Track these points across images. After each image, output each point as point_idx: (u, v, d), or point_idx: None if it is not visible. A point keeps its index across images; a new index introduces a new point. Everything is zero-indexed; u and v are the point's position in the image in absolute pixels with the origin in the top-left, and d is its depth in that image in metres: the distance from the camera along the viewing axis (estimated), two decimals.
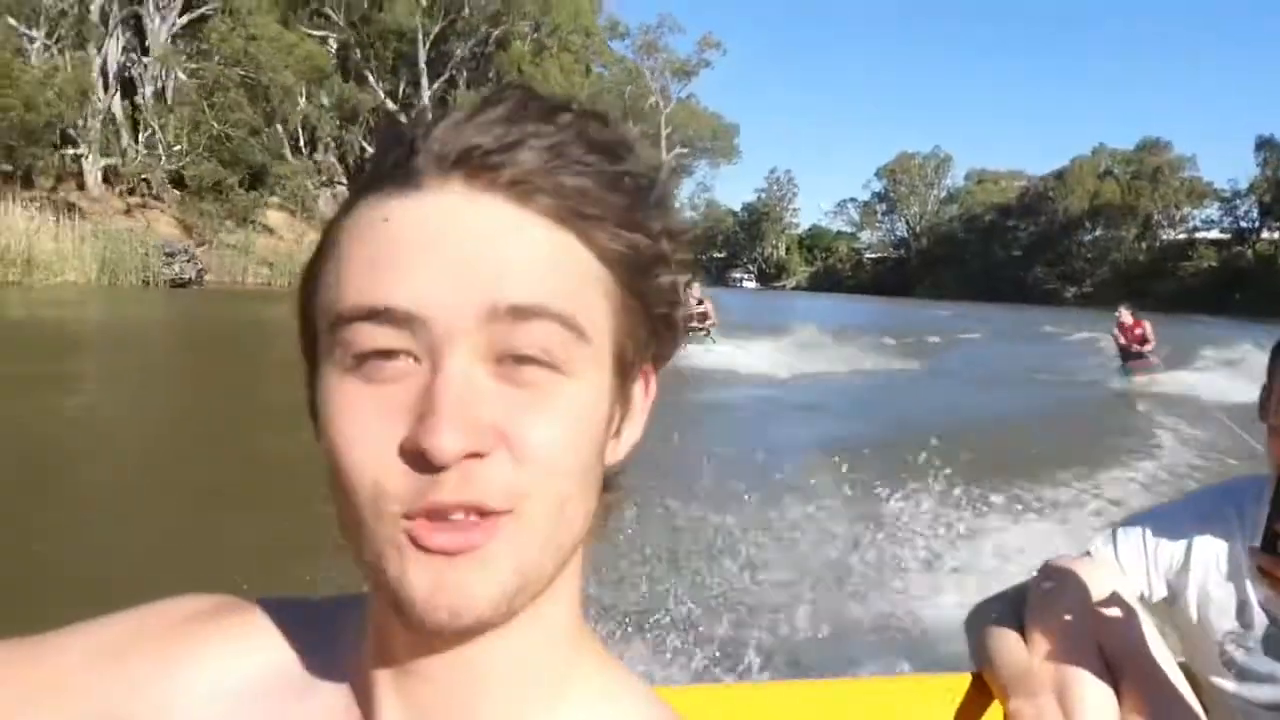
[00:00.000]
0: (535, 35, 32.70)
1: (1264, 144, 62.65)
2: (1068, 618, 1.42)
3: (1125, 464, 7.21)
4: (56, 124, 21.75)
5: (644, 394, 0.50)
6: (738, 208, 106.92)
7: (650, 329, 0.48)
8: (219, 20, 24.07)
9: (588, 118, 0.45)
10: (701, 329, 16.54)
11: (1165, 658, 1.40)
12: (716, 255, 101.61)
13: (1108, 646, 1.38)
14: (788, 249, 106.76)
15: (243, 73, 23.99)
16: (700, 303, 16.80)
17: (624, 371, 0.47)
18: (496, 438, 0.43)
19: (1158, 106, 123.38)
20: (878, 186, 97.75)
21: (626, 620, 3.44)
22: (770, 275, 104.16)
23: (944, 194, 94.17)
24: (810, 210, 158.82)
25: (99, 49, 24.15)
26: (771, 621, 3.61)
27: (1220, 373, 15.43)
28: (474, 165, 0.44)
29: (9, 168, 23.01)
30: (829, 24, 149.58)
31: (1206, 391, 13.04)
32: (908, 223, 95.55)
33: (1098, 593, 1.44)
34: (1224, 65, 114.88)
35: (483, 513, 0.43)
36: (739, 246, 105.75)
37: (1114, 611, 1.42)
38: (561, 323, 0.43)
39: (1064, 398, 13.96)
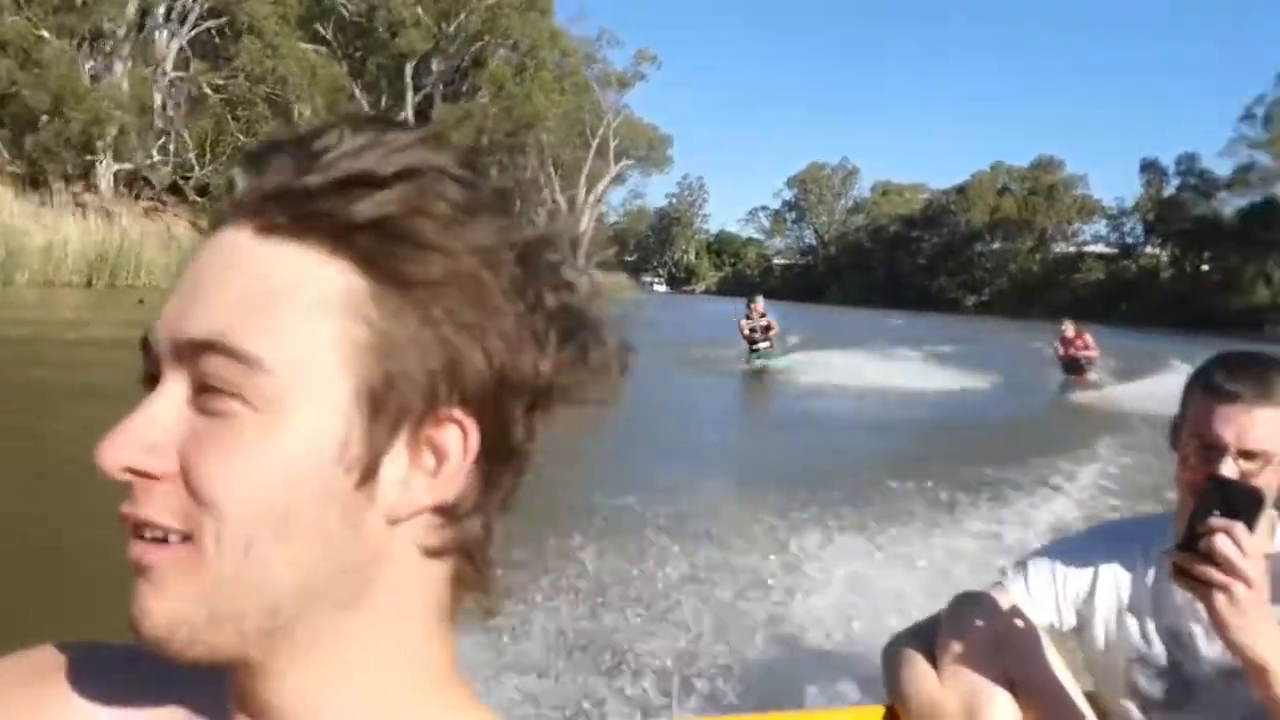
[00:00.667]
0: (514, 54, 34.09)
1: (1148, 166, 68.62)
2: (978, 649, 1.47)
3: (1057, 483, 6.99)
4: (105, 133, 22.29)
5: (461, 444, 0.44)
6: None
7: (450, 363, 0.43)
8: (249, 40, 24.82)
9: (358, 134, 0.44)
10: (764, 342, 16.25)
11: (1072, 687, 1.47)
12: (628, 259, 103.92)
13: (1017, 677, 1.44)
14: (697, 254, 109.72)
15: (268, 89, 24.83)
16: (763, 315, 16.41)
17: (375, 410, 0.43)
18: (170, 462, 0.42)
19: (1052, 127, 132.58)
20: (788, 195, 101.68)
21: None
22: (680, 279, 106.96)
23: (851, 204, 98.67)
24: (723, 217, 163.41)
25: (151, 64, 24.63)
26: (684, 656, 3.47)
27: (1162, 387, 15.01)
28: (236, 199, 0.44)
29: (16, 169, 23.33)
30: (754, 36, 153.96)
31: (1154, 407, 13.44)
32: (816, 231, 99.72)
33: (1008, 623, 1.50)
34: (1114, 90, 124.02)
35: (170, 534, 0.42)
36: (649, 250, 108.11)
37: (1024, 642, 1.48)
38: (233, 356, 0.41)
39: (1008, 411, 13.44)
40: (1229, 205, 63.01)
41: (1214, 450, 1.41)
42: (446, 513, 0.45)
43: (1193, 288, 62.24)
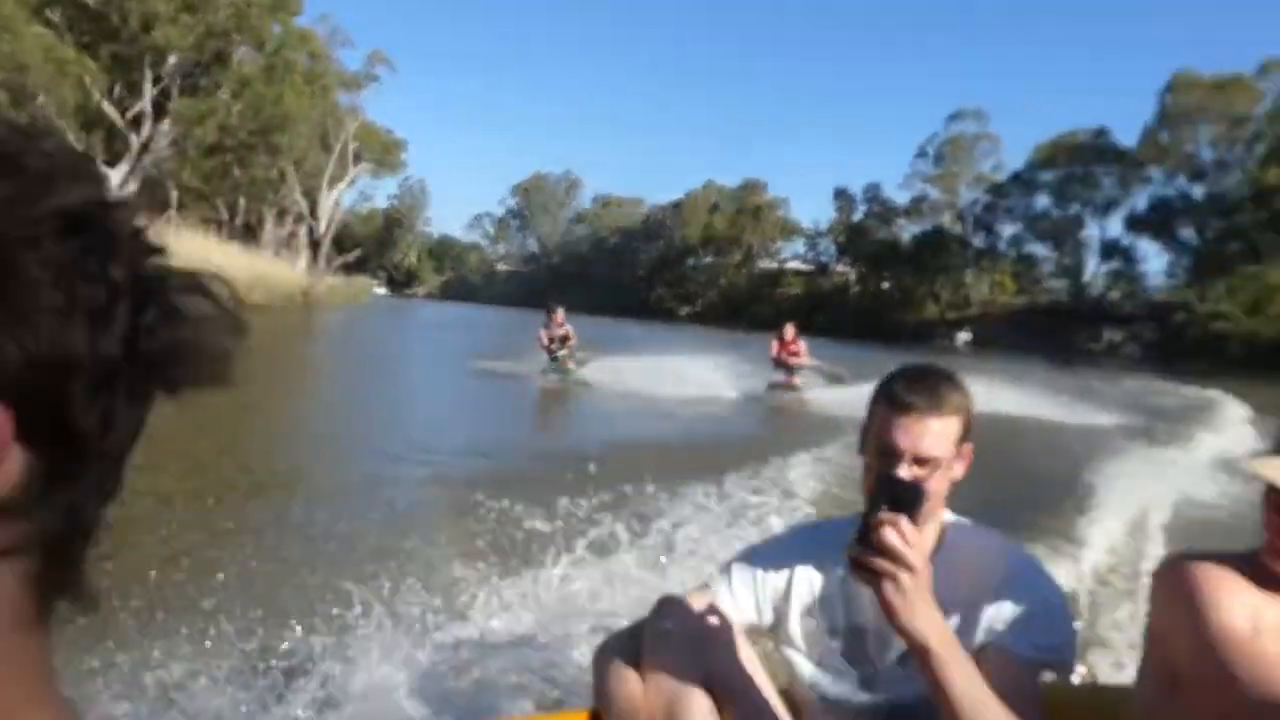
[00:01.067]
0: (261, 53, 32.85)
1: (840, 194, 76.89)
2: (679, 651, 1.55)
3: (763, 486, 6.89)
4: None
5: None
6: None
7: None
8: None
9: None
10: (562, 352, 15.88)
11: (766, 685, 1.59)
12: (349, 260, 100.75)
13: (716, 676, 1.54)
14: (419, 257, 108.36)
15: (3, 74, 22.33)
16: (562, 325, 16.03)
17: None
18: None
19: (759, 152, 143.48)
20: (512, 203, 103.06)
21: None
22: (400, 282, 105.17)
23: (573, 215, 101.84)
24: (450, 223, 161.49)
25: None
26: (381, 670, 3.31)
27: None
28: None
29: None
30: (486, 45, 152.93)
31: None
32: (540, 240, 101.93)
33: (708, 625, 1.59)
34: (813, 121, 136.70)
35: None
36: (368, 252, 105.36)
37: (723, 642, 1.58)
38: None
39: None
40: (906, 231, 72.18)
41: (892, 456, 1.55)
42: None
43: (876, 303, 70.45)
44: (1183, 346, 45.88)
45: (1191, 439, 11.92)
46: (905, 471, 1.53)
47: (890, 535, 1.34)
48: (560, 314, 16.15)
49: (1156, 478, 8.09)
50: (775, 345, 16.18)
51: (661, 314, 78.35)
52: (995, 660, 1.53)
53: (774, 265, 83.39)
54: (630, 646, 1.62)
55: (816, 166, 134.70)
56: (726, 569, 1.75)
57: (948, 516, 1.68)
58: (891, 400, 1.58)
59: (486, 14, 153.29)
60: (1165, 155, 54.21)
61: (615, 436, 9.75)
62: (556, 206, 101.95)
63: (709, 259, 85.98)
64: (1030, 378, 16.22)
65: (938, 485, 1.58)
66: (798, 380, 15.79)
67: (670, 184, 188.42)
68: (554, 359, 15.85)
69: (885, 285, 72.08)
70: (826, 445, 8.80)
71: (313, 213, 45.90)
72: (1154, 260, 59.08)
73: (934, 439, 1.56)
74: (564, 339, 16.00)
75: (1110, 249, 59.17)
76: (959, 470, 1.63)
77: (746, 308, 74.20)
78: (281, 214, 46.35)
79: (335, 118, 44.09)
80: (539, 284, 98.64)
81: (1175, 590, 1.49)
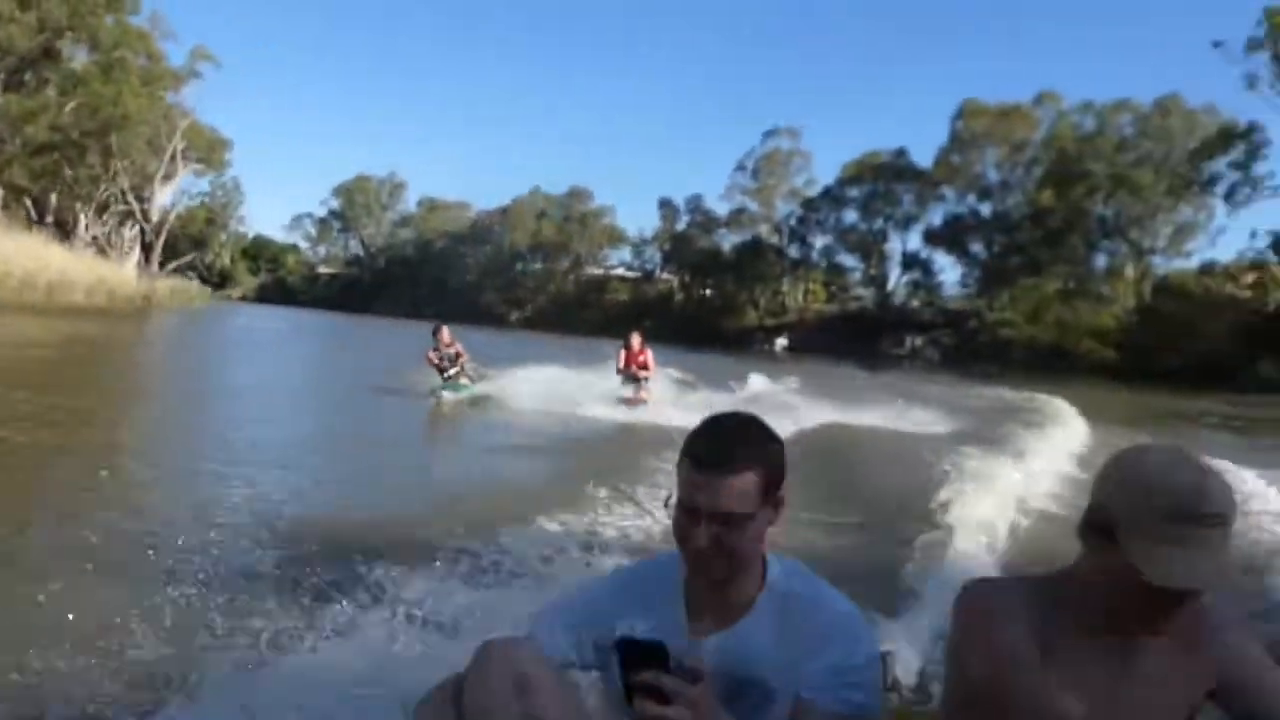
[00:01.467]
0: (95, 51, 31.58)
1: (665, 204, 79.54)
2: (501, 696, 1.54)
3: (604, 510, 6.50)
4: None
5: None
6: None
7: None
8: None
9: None
10: (454, 368, 15.33)
11: None
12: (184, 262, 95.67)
13: (536, 717, 1.54)
14: (233, 258, 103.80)
15: None
16: (450, 344, 15.51)
17: None
18: None
19: (585, 159, 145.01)
20: (334, 204, 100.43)
21: None
22: (214, 284, 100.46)
23: (398, 217, 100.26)
24: (271, 223, 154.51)
25: None
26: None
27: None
28: None
29: None
30: (310, 45, 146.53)
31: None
32: (363, 242, 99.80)
33: (530, 669, 1.58)
34: (638, 133, 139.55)
35: None
36: (179, 253, 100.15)
37: (544, 686, 1.57)
38: None
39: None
40: (727, 241, 75.57)
41: (692, 515, 1.58)
42: None
43: (699, 310, 73.43)
44: (975, 350, 50.67)
45: (1024, 446, 11.62)
46: (704, 534, 1.57)
47: (643, 704, 1.39)
48: (446, 332, 15.62)
49: (995, 488, 7.90)
50: (622, 355, 15.47)
51: (492, 319, 78.60)
52: (808, 714, 1.60)
53: (601, 272, 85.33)
54: (450, 697, 1.62)
55: (642, 176, 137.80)
56: (546, 612, 1.79)
57: (771, 563, 1.71)
58: (692, 458, 1.60)
59: (312, 11, 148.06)
60: (957, 175, 59.42)
61: (487, 470, 9.11)
62: (379, 208, 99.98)
63: (538, 265, 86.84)
64: (857, 384, 18.04)
65: (746, 539, 1.60)
66: (645, 394, 15.07)
67: (496, 190, 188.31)
68: (447, 377, 15.21)
69: (708, 292, 75.17)
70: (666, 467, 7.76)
71: (145, 214, 43.96)
72: (949, 272, 64.25)
73: (732, 497, 1.57)
74: (455, 357, 15.51)
75: (911, 261, 64.28)
76: (772, 518, 1.65)
77: (576, 313, 75.61)
78: (100, 211, 44.09)
79: (167, 117, 42.39)
80: (362, 286, 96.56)
81: (970, 613, 1.54)
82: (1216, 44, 42.15)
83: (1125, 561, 1.37)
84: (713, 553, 1.59)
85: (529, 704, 1.56)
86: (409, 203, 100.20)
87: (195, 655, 3.53)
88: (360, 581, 4.34)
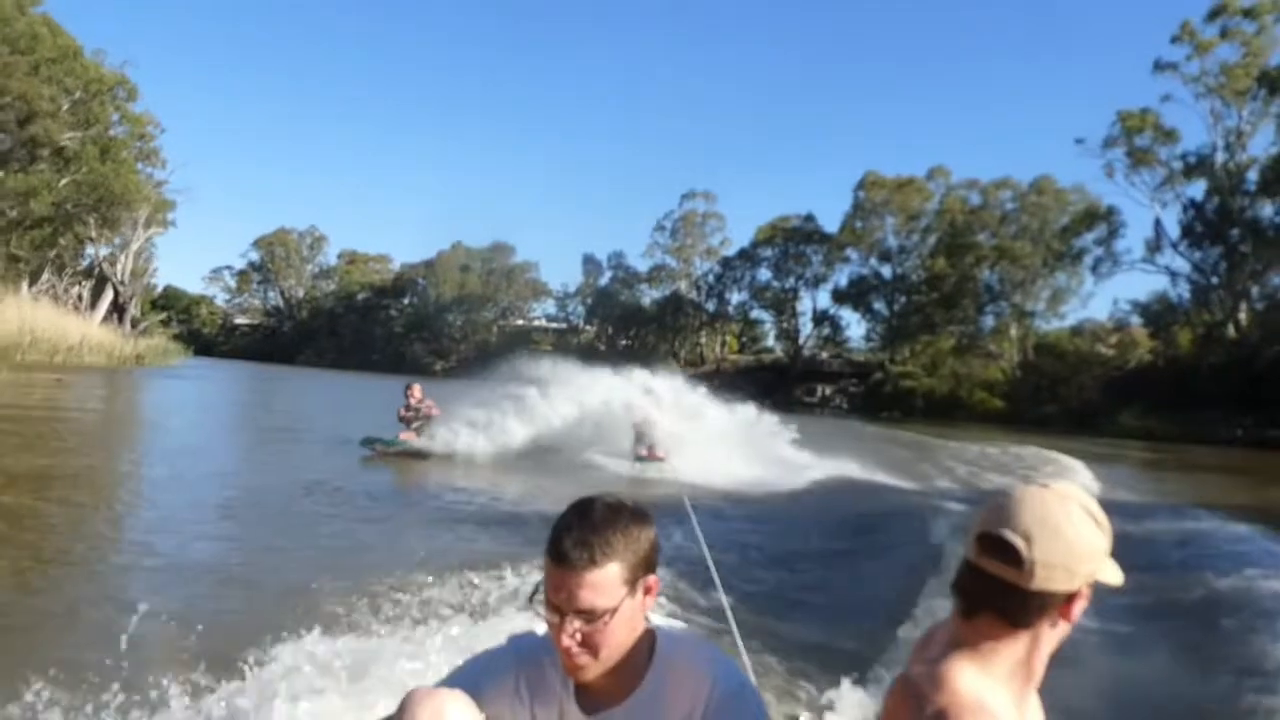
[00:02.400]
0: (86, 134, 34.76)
1: (588, 260, 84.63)
2: None
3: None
4: None
5: None
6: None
7: None
8: None
9: None
10: (418, 425, 15.95)
11: None
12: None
13: None
14: (143, 309, 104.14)
15: None
16: (420, 400, 16.18)
17: None
18: None
19: (509, 216, 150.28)
20: (254, 257, 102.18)
21: None
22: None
23: (318, 270, 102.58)
24: (189, 276, 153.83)
25: None
26: None
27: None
28: None
29: None
30: (238, 99, 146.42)
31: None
32: (284, 294, 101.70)
33: (459, 718, 1.62)
34: (561, 192, 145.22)
35: None
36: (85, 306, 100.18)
37: None
38: None
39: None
40: (647, 296, 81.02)
41: (555, 612, 1.60)
42: None
43: (624, 358, 78.17)
44: (880, 399, 56.81)
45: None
46: (572, 627, 1.59)
47: None
48: (417, 389, 16.41)
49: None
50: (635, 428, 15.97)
51: (417, 369, 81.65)
52: None
53: (524, 323, 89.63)
54: None
55: (563, 233, 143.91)
56: (466, 666, 1.83)
57: (660, 635, 1.73)
58: (552, 553, 1.60)
59: (229, 68, 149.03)
60: (860, 240, 66.16)
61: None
62: (300, 261, 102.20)
63: (463, 317, 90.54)
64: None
65: (613, 634, 1.61)
66: (660, 452, 15.53)
67: (416, 244, 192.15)
68: (414, 428, 15.95)
69: (631, 343, 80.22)
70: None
71: (131, 276, 47.02)
72: (855, 327, 71.17)
73: (594, 592, 1.57)
74: (420, 413, 16.10)
75: (820, 317, 70.89)
76: (644, 605, 1.66)
77: (503, 362, 79.57)
78: (60, 270, 46.74)
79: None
80: (283, 337, 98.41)
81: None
82: (1079, 141, 49.82)
83: (1084, 588, 1.48)
84: (580, 651, 1.61)
85: None
86: (329, 256, 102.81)
87: None
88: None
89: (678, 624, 1.84)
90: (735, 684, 1.69)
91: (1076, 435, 35.64)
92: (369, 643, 4.58)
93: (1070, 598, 1.49)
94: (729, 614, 3.20)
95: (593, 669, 1.64)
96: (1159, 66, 47.01)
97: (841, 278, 68.55)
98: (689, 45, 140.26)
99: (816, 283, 70.79)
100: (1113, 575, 1.51)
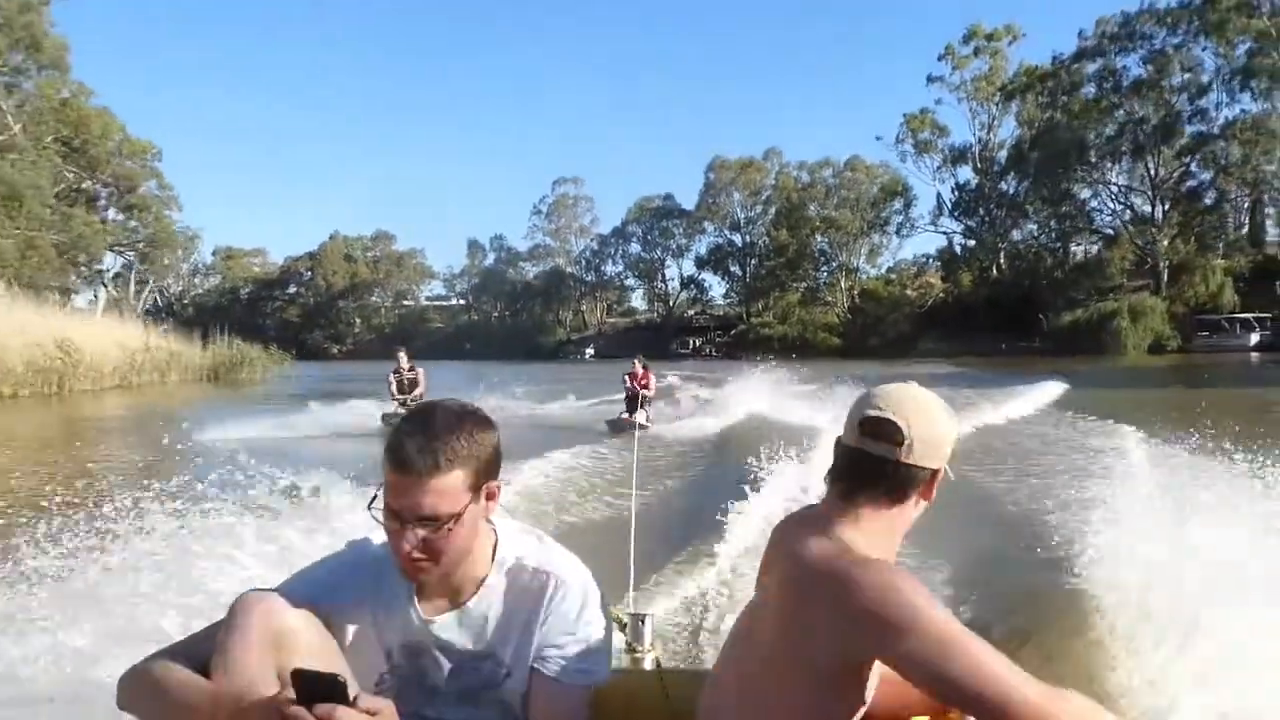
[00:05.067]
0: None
1: (472, 244, 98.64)
2: (259, 652, 1.58)
3: None
4: None
5: None
6: None
7: None
8: None
9: None
10: (405, 399, 16.12)
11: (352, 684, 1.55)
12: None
13: (286, 673, 1.53)
14: None
15: None
16: (411, 369, 16.68)
17: None
18: None
19: (390, 204, 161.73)
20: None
21: None
22: None
23: (194, 267, 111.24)
24: None
25: None
26: None
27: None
28: None
29: None
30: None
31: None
32: (163, 292, 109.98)
33: (292, 623, 1.63)
34: (442, 178, 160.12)
35: None
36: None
37: (306, 640, 1.63)
38: None
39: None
40: (530, 272, 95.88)
41: (397, 519, 1.61)
42: None
43: (515, 330, 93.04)
44: (743, 346, 74.16)
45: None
46: (414, 536, 1.61)
47: None
48: (403, 356, 17.00)
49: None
50: (627, 379, 17.08)
51: (318, 354, 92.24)
52: (542, 685, 1.75)
53: (416, 304, 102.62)
54: (187, 654, 1.65)
55: (446, 218, 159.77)
56: (309, 570, 1.82)
57: (502, 535, 1.80)
58: (392, 459, 1.61)
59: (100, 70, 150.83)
60: (714, 214, 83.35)
61: None
62: (177, 260, 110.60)
63: (356, 302, 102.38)
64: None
65: (456, 539, 1.64)
66: (639, 416, 15.76)
67: (292, 237, 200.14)
68: (408, 401, 16.01)
69: (521, 316, 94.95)
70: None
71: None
72: (717, 288, 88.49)
73: (437, 498, 1.60)
74: (413, 382, 16.59)
75: (687, 281, 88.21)
76: (486, 509, 1.71)
77: (402, 341, 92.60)
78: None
79: None
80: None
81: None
82: (878, 137, 68.53)
83: (942, 469, 1.74)
84: (422, 557, 1.63)
85: (287, 658, 1.58)
86: (204, 253, 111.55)
87: None
88: None
89: (519, 525, 1.87)
90: (574, 581, 1.79)
91: (895, 360, 53.16)
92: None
93: (933, 476, 1.74)
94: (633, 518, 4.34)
95: (434, 574, 1.68)
96: (930, 79, 66.09)
97: (701, 247, 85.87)
98: (553, 35, 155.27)
99: (680, 252, 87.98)
100: (950, 470, 1.77)
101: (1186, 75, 53.70)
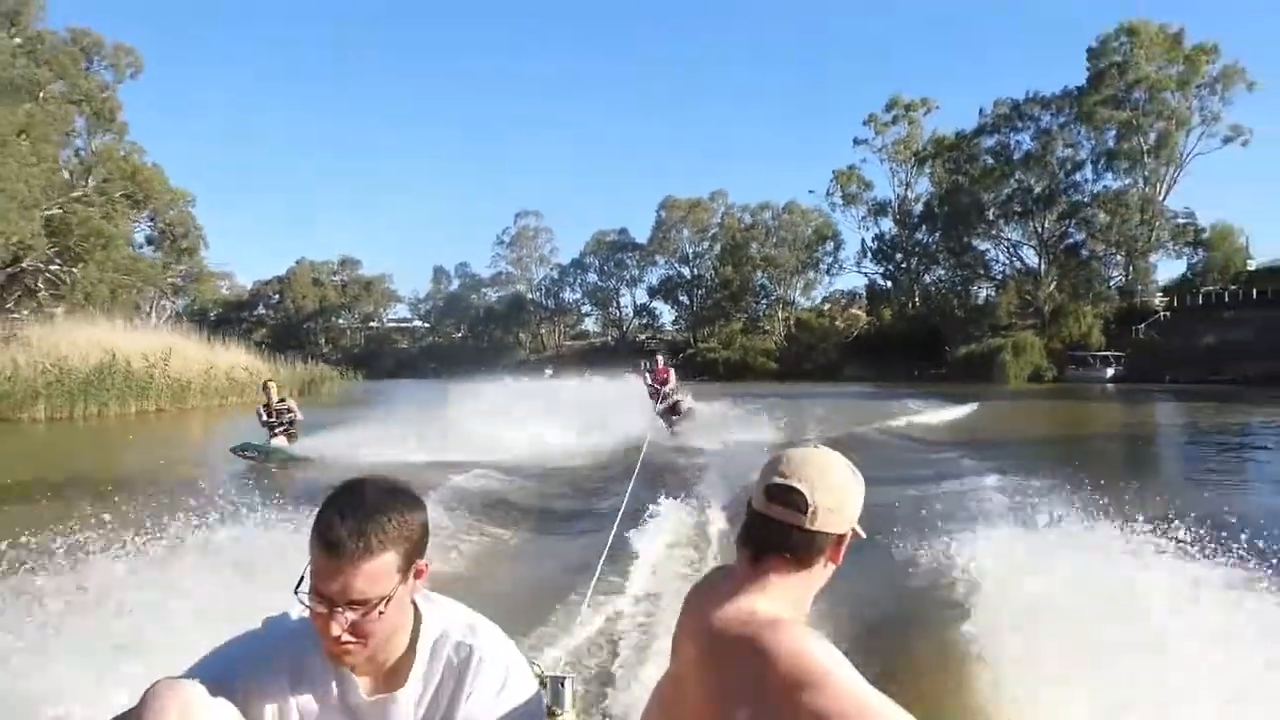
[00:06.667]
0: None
1: (438, 270, 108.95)
2: None
3: None
4: None
5: None
6: None
7: None
8: None
9: None
10: (280, 426, 15.78)
11: None
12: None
13: None
14: None
15: None
16: (282, 400, 16.25)
17: None
18: None
19: (354, 231, 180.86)
20: None
21: None
22: None
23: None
24: None
25: None
26: None
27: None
28: None
29: None
30: None
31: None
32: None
33: (204, 711, 1.63)
34: (407, 204, 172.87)
35: None
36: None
37: None
38: None
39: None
40: (492, 297, 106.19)
41: (325, 602, 1.63)
42: None
43: (477, 350, 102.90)
44: (691, 367, 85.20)
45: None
46: (342, 621, 1.64)
47: None
48: (273, 389, 16.56)
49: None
50: (647, 375, 18.44)
51: None
52: None
53: (381, 326, 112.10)
54: None
55: (411, 245, 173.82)
56: (210, 659, 1.80)
57: (425, 610, 1.84)
58: (322, 541, 1.63)
59: None
60: (665, 248, 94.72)
61: None
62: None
63: (324, 325, 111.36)
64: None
65: (385, 621, 1.68)
66: (685, 403, 17.11)
67: (258, 262, 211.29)
68: (275, 434, 15.80)
69: (483, 339, 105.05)
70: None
71: None
72: (667, 315, 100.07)
73: (369, 581, 1.63)
74: (282, 414, 15.95)
75: (640, 309, 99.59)
76: (415, 587, 1.76)
77: (369, 360, 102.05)
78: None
79: None
80: None
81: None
82: (811, 191, 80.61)
83: (849, 532, 1.84)
84: (351, 641, 1.66)
85: None
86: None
87: None
88: None
89: (441, 598, 1.90)
90: (497, 656, 1.84)
91: (824, 382, 64.46)
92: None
93: (839, 540, 1.81)
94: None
95: (361, 655, 1.70)
96: (856, 141, 78.57)
97: (653, 278, 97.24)
98: (518, 78, 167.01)
99: (634, 282, 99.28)
100: (860, 530, 1.86)
101: (1068, 151, 66.57)
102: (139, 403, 31.39)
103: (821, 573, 1.83)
